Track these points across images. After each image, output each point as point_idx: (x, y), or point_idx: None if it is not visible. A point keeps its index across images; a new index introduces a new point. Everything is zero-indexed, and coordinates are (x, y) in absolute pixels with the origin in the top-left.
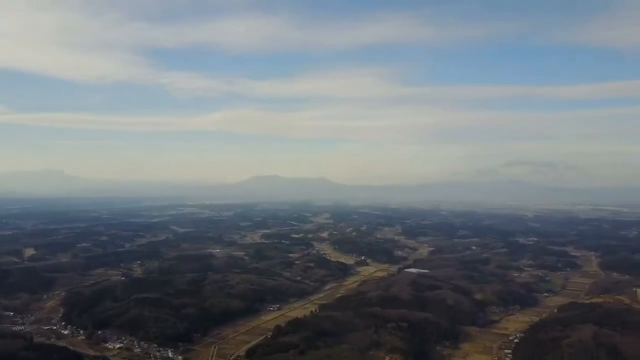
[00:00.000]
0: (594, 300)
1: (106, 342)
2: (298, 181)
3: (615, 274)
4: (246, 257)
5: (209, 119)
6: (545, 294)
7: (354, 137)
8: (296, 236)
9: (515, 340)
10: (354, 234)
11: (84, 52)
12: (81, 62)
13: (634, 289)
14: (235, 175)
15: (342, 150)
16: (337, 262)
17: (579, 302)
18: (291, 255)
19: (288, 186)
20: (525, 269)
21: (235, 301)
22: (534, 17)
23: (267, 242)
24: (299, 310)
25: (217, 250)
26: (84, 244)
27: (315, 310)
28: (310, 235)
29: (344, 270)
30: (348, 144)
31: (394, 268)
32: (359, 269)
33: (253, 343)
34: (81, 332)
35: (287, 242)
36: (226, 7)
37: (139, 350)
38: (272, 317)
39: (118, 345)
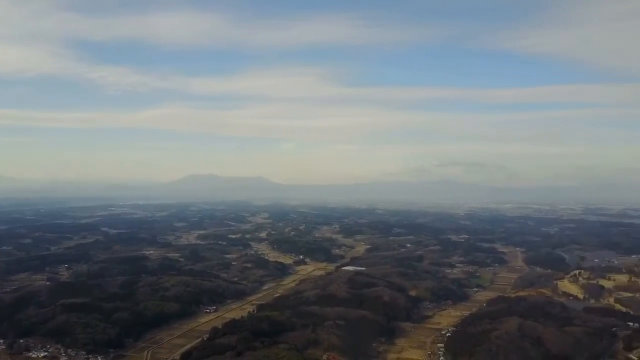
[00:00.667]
0: (520, 293)
1: (29, 351)
2: (235, 180)
3: (538, 268)
4: (181, 259)
5: (143, 116)
6: (475, 289)
7: (293, 137)
8: (233, 236)
9: (448, 334)
10: (292, 233)
11: (5, 43)
12: (1, 53)
13: (555, 282)
14: (170, 175)
15: (281, 150)
16: (276, 262)
17: (506, 296)
18: (228, 256)
19: (225, 186)
20: (457, 265)
21: (170, 304)
22: (465, 22)
23: (203, 243)
24: (236, 311)
25: (150, 252)
26: (4, 248)
27: (253, 310)
28: (248, 236)
29: (282, 270)
30: (287, 143)
31: (331, 266)
32: (298, 268)
33: (188, 346)
34: (1, 341)
35: (224, 242)
36: (160, 1)
37: (65, 358)
38: (208, 319)
39: (42, 354)
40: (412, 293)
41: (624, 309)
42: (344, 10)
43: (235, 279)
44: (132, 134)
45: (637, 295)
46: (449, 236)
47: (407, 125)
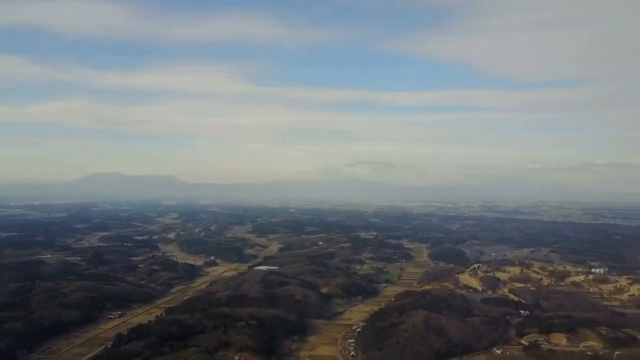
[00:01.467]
0: (425, 287)
1: None
2: (143, 179)
3: (442, 263)
4: (82, 263)
5: (40, 110)
6: (384, 284)
7: (204, 134)
8: (140, 238)
9: (358, 330)
10: (203, 234)
11: None
12: None
13: (457, 276)
14: (70, 173)
15: (191, 148)
16: (185, 263)
17: (412, 290)
18: (134, 258)
19: (131, 185)
20: (367, 261)
21: (70, 311)
22: (374, 26)
23: (106, 245)
24: (143, 315)
25: (47, 256)
26: None
27: (161, 314)
28: (155, 237)
29: (193, 272)
30: (197, 141)
31: (244, 267)
32: (208, 269)
33: (90, 355)
34: None
35: (130, 244)
36: None
37: None
38: (112, 326)
39: None
40: (324, 290)
41: (516, 299)
42: (255, 9)
43: (142, 282)
44: (28, 129)
45: (528, 286)
46: (359, 233)
47: (318, 125)
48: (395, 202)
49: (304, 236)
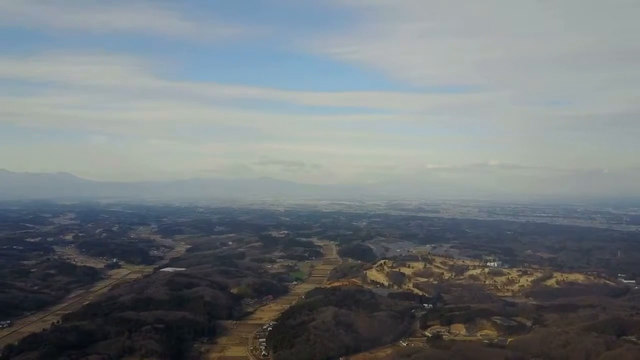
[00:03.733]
0: (334, 284)
1: None
2: (34, 177)
3: (350, 259)
4: None
5: None
6: (295, 282)
7: (104, 130)
8: (32, 240)
9: (269, 329)
10: (104, 235)
11: None
12: None
13: (364, 272)
14: None
15: (90, 144)
16: (84, 266)
17: (322, 287)
18: (26, 262)
19: (20, 183)
20: (277, 260)
21: None
22: (286, 26)
23: None
24: (37, 324)
25: None
26: None
27: (58, 321)
28: (50, 239)
29: (93, 275)
30: (96, 136)
31: (149, 269)
32: (111, 272)
33: None
34: None
35: (21, 247)
36: None
37: None
38: (1, 336)
39: None
40: (234, 290)
41: (420, 293)
42: (161, 0)
43: (36, 287)
44: None
45: (431, 280)
46: (269, 232)
47: (227, 123)
48: (305, 200)
49: (213, 236)
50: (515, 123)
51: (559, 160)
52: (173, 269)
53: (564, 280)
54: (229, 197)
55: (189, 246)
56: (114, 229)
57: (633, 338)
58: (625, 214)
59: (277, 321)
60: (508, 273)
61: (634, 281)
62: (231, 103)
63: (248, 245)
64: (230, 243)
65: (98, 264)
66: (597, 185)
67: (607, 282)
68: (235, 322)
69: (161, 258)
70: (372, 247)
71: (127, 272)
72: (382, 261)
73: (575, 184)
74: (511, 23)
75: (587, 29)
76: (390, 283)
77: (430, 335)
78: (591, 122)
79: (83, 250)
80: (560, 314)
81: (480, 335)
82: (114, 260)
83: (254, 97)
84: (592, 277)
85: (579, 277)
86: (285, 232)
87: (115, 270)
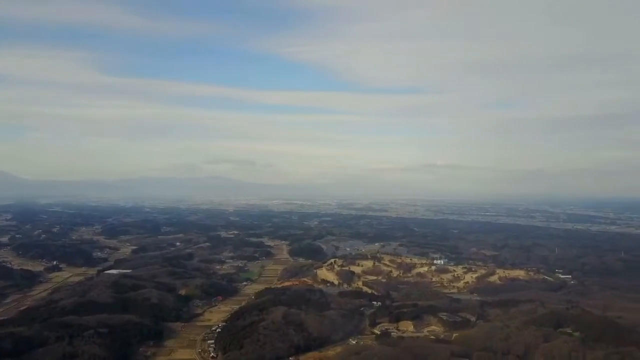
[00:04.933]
0: (285, 284)
1: None
2: None
3: (301, 259)
4: None
5: None
6: (245, 283)
7: (43, 126)
8: None
9: (218, 330)
10: (43, 236)
11: None
12: None
13: (315, 271)
14: None
15: (27, 141)
16: (22, 269)
17: (272, 287)
18: None
19: None
20: (227, 260)
21: None
22: (242, 23)
23: None
24: None
25: None
26: None
27: None
28: None
29: (31, 279)
30: (35, 133)
31: (92, 271)
32: (51, 275)
33: None
34: None
35: None
36: None
37: None
38: None
39: None
40: (182, 292)
41: (369, 291)
42: None
43: None
44: None
45: (380, 278)
46: (219, 232)
47: (176, 121)
48: (256, 200)
49: (160, 237)
50: (462, 124)
51: (503, 161)
52: (118, 270)
53: (506, 276)
54: (177, 196)
55: (134, 247)
56: (55, 230)
57: (569, 330)
58: (562, 212)
59: (226, 322)
60: (454, 270)
61: (570, 276)
62: (181, 100)
63: (197, 246)
64: (178, 244)
65: (37, 266)
66: (538, 185)
67: (546, 277)
68: (183, 324)
69: (105, 260)
70: (322, 246)
71: (68, 275)
72: (332, 260)
73: (518, 184)
74: (461, 27)
75: (536, 35)
76: (341, 282)
77: (379, 332)
78: (535, 124)
79: (20, 252)
80: (502, 309)
81: (427, 331)
82: (54, 262)
83: (205, 95)
84: (532, 273)
85: (520, 274)
86: (235, 232)
87: (55, 274)
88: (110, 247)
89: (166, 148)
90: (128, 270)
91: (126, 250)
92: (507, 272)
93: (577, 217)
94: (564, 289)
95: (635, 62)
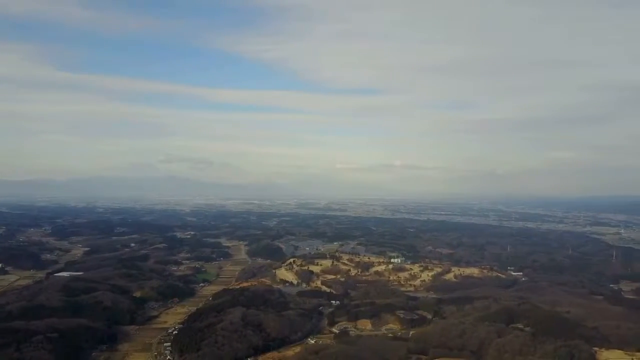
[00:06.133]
0: (243, 284)
1: None
2: None
3: (259, 259)
4: None
5: None
6: (202, 284)
7: None
8: None
9: (174, 332)
10: None
11: None
12: None
13: (274, 271)
14: None
15: None
16: None
17: (230, 288)
18: None
19: None
20: (184, 262)
21: None
22: (202, 21)
23: None
24: None
25: None
26: None
27: None
28: None
29: None
30: None
31: (41, 274)
32: None
33: None
34: None
35: None
36: None
37: None
38: None
39: None
40: (137, 294)
41: (328, 290)
42: None
43: None
44: None
45: (338, 277)
46: (175, 233)
47: (131, 119)
48: (213, 200)
49: (114, 238)
50: (420, 126)
51: (458, 162)
52: (69, 273)
53: (461, 274)
54: (132, 196)
55: (87, 249)
56: (0, 231)
57: (520, 325)
58: (514, 211)
59: (183, 324)
60: (410, 268)
61: (521, 273)
62: (136, 98)
63: (152, 247)
64: (132, 245)
65: None
66: (492, 185)
67: (499, 274)
68: (138, 327)
69: (55, 262)
70: (281, 246)
71: (15, 278)
72: (291, 260)
73: (472, 184)
74: (420, 29)
75: (492, 39)
76: (299, 281)
77: (337, 331)
78: (489, 125)
79: None
80: (458, 306)
81: (385, 329)
82: (0, 265)
83: (161, 92)
84: (485, 271)
85: (474, 271)
86: (192, 232)
87: (1, 277)
88: (60, 249)
89: (121, 147)
90: (80, 273)
91: (77, 251)
92: (462, 270)
93: (528, 216)
94: (516, 285)
95: (584, 67)
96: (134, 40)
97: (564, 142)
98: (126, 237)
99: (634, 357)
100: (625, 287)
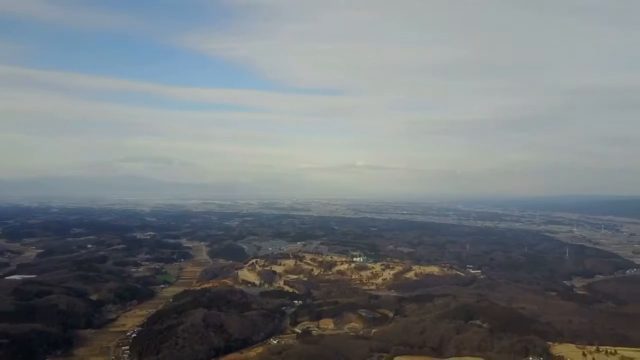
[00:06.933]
0: (205, 285)
1: None
2: None
3: (221, 260)
4: None
5: None
6: (162, 286)
7: None
8: None
9: (133, 335)
10: None
11: None
12: None
13: (236, 272)
14: None
15: None
16: None
17: (191, 289)
18: None
19: None
20: (143, 263)
21: None
22: (167, 18)
23: None
24: None
25: None
26: None
27: None
28: None
29: None
30: None
31: None
32: None
33: None
34: None
35: None
36: None
37: None
38: None
39: None
40: (94, 297)
41: (291, 290)
42: None
43: None
44: None
45: (301, 277)
46: (134, 234)
47: (88, 116)
48: (173, 200)
49: (69, 239)
50: (383, 126)
51: (418, 162)
52: (21, 276)
53: (421, 272)
54: (89, 196)
55: (40, 250)
56: None
57: (478, 322)
58: (473, 210)
59: (142, 327)
60: (372, 267)
61: (479, 271)
62: (93, 95)
63: (110, 248)
64: (89, 246)
65: None
66: (451, 185)
67: (458, 272)
68: (95, 330)
69: (6, 265)
70: (244, 246)
71: None
72: (253, 260)
73: (433, 184)
74: (387, 30)
75: (454, 41)
76: (262, 282)
77: (300, 331)
78: (448, 126)
79: None
80: (418, 304)
81: (347, 328)
82: None
83: (120, 89)
84: (445, 269)
85: (434, 270)
86: (152, 233)
87: None
88: (12, 251)
89: (77, 145)
90: (33, 276)
91: (30, 253)
92: (422, 268)
93: (486, 215)
94: (475, 283)
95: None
96: (92, 37)
97: (519, 144)
98: (83, 238)
99: (585, 350)
100: (577, 283)
